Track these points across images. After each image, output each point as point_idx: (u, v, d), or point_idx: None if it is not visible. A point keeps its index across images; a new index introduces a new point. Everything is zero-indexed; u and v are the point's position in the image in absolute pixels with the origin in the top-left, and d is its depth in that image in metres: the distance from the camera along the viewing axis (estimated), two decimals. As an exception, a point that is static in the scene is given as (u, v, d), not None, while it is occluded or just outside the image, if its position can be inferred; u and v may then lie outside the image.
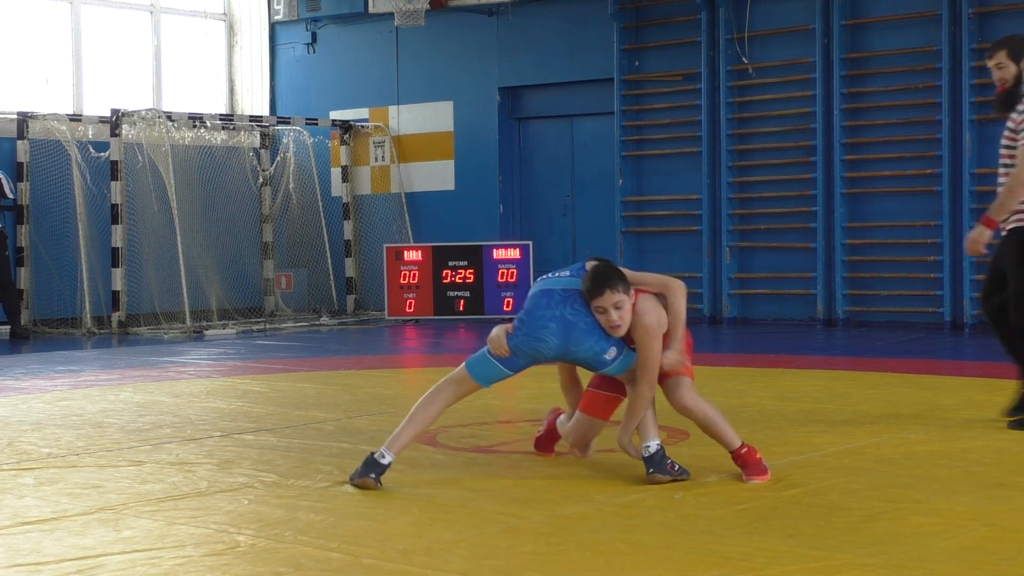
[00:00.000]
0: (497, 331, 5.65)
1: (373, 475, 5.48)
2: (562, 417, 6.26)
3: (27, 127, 15.24)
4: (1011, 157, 7.09)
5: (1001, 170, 7.27)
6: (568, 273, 5.74)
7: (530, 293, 5.77)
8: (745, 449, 5.65)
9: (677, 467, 5.55)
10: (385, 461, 5.52)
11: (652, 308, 5.60)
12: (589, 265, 5.70)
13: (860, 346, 12.10)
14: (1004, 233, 7.20)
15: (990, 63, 7.22)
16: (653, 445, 5.55)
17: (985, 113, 13.37)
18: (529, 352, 5.61)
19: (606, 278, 5.54)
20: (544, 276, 5.85)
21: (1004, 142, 7.20)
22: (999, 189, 7.17)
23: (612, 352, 5.58)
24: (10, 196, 14.76)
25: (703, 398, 5.71)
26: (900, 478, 5.61)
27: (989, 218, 7.06)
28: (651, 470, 5.51)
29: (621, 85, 15.33)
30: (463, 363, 5.75)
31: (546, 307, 5.59)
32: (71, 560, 4.41)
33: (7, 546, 4.63)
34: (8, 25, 16.03)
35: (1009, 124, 7.12)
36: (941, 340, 12.52)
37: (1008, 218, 7.16)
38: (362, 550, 4.49)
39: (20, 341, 14.15)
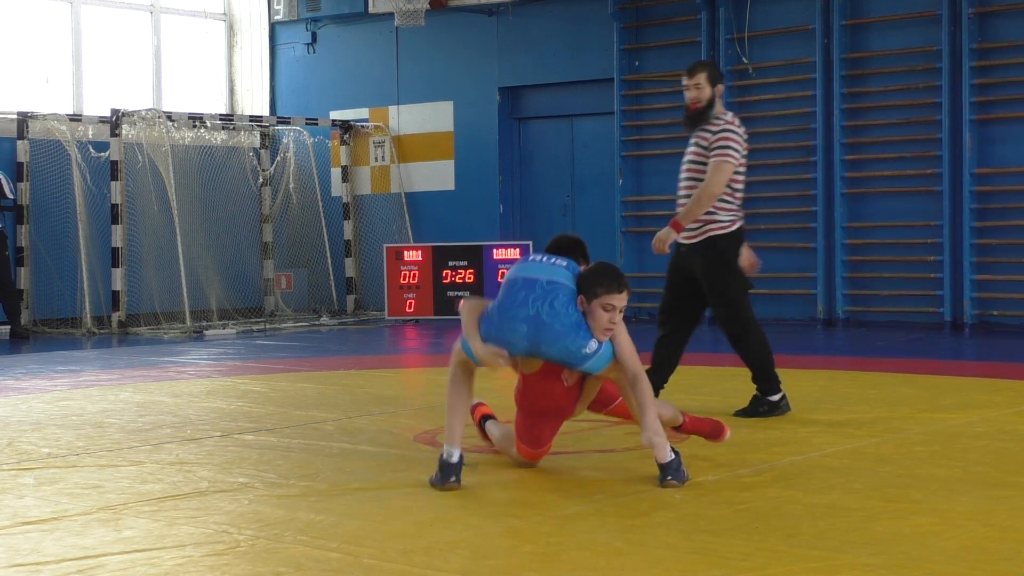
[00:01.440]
0: (487, 354, 5.47)
1: (454, 478, 5.44)
2: (489, 423, 6.21)
3: (27, 127, 15.24)
4: (698, 172, 7.60)
5: (685, 182, 7.72)
6: (564, 264, 5.61)
7: (511, 275, 5.59)
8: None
9: (687, 473, 5.54)
10: (455, 460, 5.46)
11: None
12: (582, 266, 5.62)
13: (860, 346, 12.10)
14: (692, 242, 7.66)
15: (689, 82, 7.70)
16: (668, 453, 5.50)
17: (985, 113, 13.39)
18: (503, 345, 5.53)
19: (624, 279, 5.50)
20: (533, 257, 5.69)
21: (691, 157, 7.69)
22: (680, 201, 7.69)
23: (592, 345, 5.47)
24: (10, 196, 14.76)
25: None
26: (900, 478, 5.61)
27: (677, 222, 7.56)
28: (668, 476, 5.45)
29: (621, 85, 15.33)
30: (458, 344, 5.64)
31: (522, 303, 5.45)
32: (71, 560, 4.41)
33: (7, 546, 4.63)
34: (8, 25, 16.03)
35: (700, 141, 7.64)
36: (941, 340, 12.52)
37: (700, 228, 7.62)
38: (362, 550, 4.49)
39: (20, 341, 14.15)
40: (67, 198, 15.39)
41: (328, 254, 17.44)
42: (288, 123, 17.28)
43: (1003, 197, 13.38)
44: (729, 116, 7.65)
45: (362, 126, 17.49)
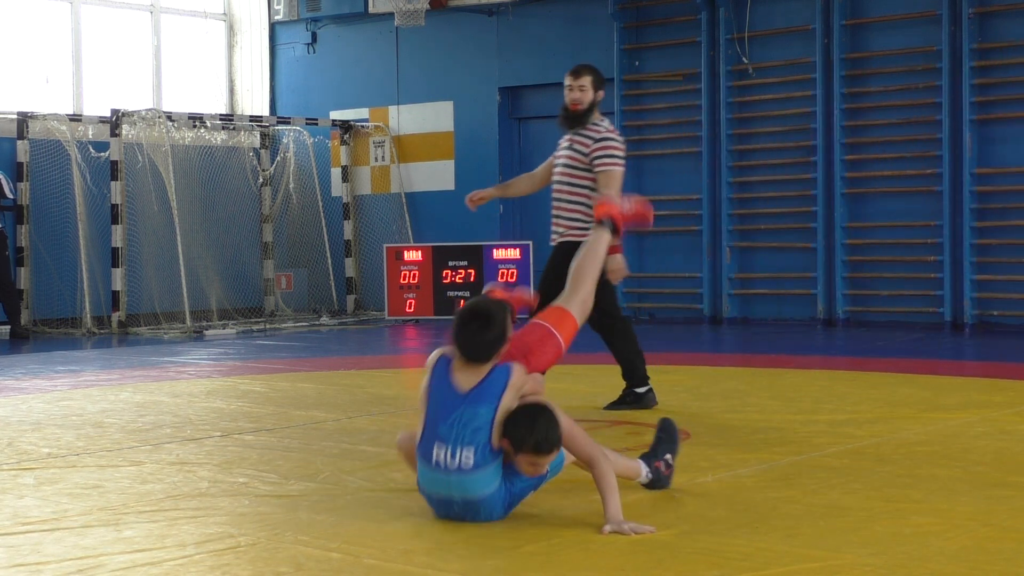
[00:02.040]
0: None
1: None
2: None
3: (27, 127, 15.24)
4: (573, 176, 7.72)
5: (558, 184, 7.81)
6: (472, 460, 4.76)
7: (422, 450, 4.89)
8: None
9: (670, 468, 5.42)
10: None
11: (539, 384, 5.25)
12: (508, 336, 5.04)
13: (860, 346, 12.09)
14: (557, 243, 7.80)
15: (573, 82, 7.79)
16: (644, 476, 5.32)
17: (985, 113, 13.38)
18: None
19: (558, 438, 4.85)
20: (439, 434, 4.83)
21: (565, 160, 7.78)
22: (557, 204, 7.79)
23: (529, 487, 5.02)
24: (10, 196, 14.76)
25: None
26: (900, 478, 5.61)
27: (615, 246, 7.53)
28: (653, 489, 5.35)
29: (621, 85, 15.33)
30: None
31: (435, 504, 4.94)
32: (71, 560, 4.41)
33: (7, 546, 4.63)
34: (8, 25, 16.03)
35: (578, 147, 7.73)
36: (941, 340, 12.52)
37: (564, 232, 7.75)
38: (362, 550, 4.49)
39: (20, 341, 14.15)
40: (67, 198, 15.38)
41: (328, 254, 17.44)
42: (288, 123, 17.27)
43: (1003, 197, 13.38)
44: (607, 123, 7.81)
45: (362, 126, 17.49)
